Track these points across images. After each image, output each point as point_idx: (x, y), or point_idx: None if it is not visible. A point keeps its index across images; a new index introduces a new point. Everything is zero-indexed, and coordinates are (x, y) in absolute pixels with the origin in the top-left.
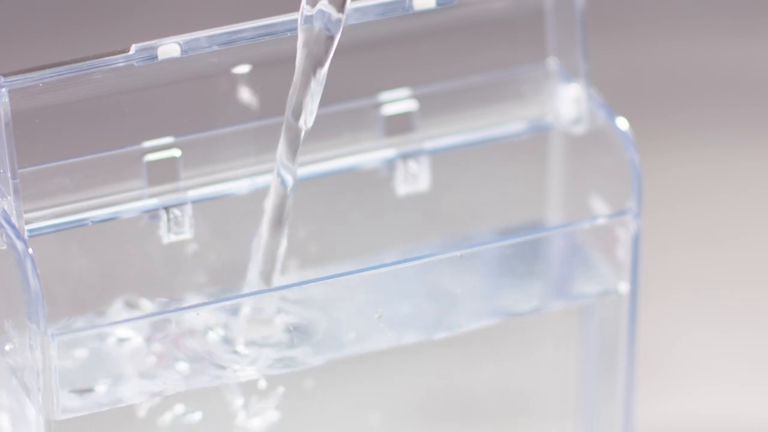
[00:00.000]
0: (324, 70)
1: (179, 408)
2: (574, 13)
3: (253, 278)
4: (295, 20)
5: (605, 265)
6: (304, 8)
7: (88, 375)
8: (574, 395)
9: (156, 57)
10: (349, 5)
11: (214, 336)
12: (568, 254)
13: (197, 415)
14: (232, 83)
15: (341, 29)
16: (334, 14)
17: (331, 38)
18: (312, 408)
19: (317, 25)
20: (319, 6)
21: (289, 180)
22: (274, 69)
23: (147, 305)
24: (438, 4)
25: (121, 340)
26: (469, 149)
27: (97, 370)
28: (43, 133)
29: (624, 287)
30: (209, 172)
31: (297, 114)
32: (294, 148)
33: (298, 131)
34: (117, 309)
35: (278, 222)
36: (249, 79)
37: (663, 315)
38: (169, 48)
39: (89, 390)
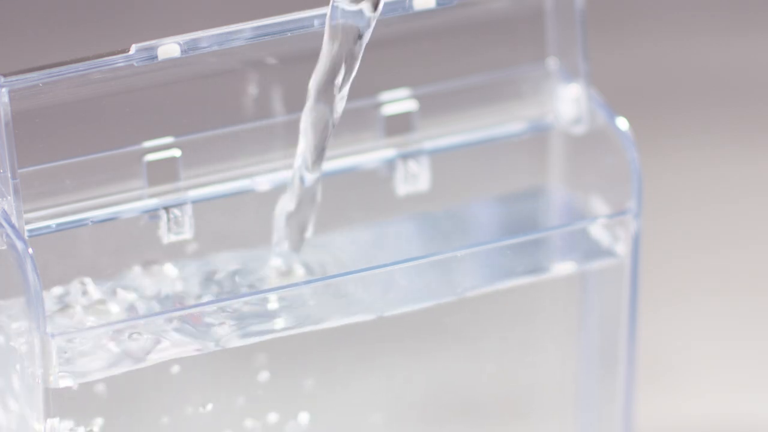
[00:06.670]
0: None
1: (178, 400)
2: (574, 13)
3: (281, 245)
4: (295, 21)
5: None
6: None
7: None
8: (573, 393)
9: (156, 57)
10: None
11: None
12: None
13: (196, 410)
14: (232, 83)
15: (372, 27)
16: (366, 12)
17: (361, 36)
18: (312, 408)
19: (351, 21)
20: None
21: (312, 179)
22: (274, 69)
23: (147, 303)
24: (438, 4)
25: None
26: (469, 149)
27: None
28: (43, 133)
29: (621, 249)
30: (209, 172)
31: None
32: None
33: (327, 132)
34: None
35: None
36: (249, 79)
37: (663, 315)
38: (169, 48)
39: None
